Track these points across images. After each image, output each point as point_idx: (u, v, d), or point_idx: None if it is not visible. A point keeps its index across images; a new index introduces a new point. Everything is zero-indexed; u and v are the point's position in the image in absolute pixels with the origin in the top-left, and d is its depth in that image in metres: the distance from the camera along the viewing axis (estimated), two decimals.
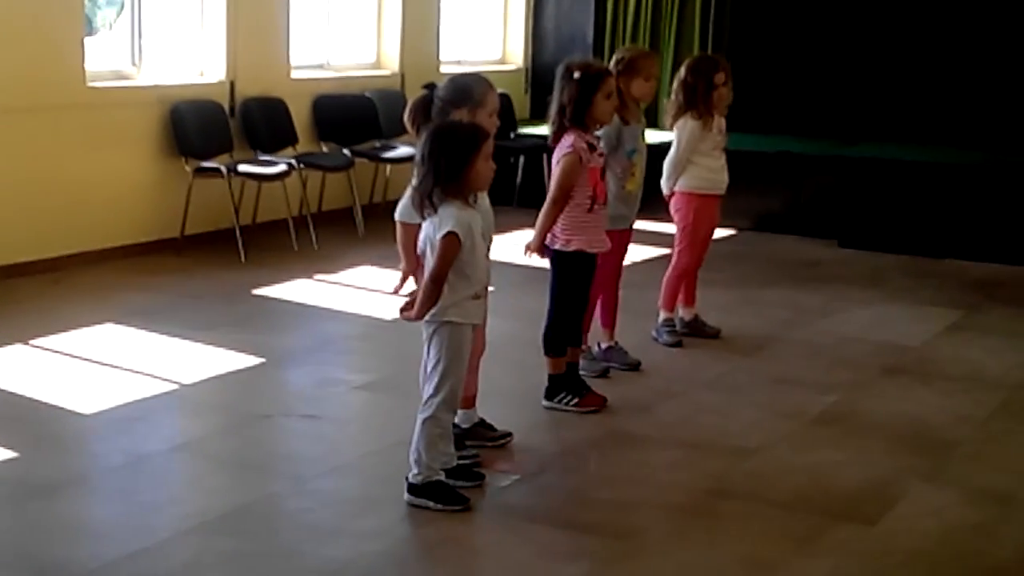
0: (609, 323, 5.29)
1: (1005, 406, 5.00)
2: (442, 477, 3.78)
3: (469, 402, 4.21)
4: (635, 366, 5.25)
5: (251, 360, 5.26)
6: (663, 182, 5.66)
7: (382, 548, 3.56)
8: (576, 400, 4.70)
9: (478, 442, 4.19)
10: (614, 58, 5.19)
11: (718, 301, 6.30)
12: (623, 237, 5.16)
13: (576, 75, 4.56)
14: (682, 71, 5.62)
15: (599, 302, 5.18)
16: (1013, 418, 4.89)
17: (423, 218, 3.72)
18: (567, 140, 4.58)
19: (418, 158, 3.72)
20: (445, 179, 3.63)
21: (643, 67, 5.11)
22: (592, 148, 4.60)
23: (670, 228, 5.88)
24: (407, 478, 3.80)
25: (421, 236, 3.74)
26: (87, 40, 6.93)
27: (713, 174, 5.64)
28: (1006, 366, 5.53)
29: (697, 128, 5.53)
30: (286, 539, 3.61)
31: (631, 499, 3.96)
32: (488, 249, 3.98)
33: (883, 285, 7.07)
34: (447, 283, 3.68)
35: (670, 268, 5.73)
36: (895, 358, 5.61)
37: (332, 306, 6.27)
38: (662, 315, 5.70)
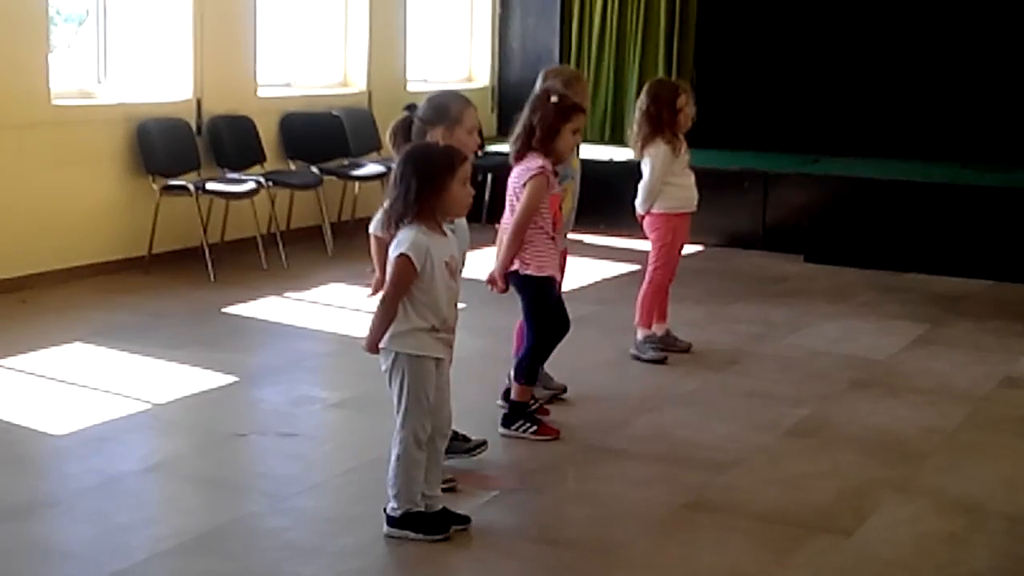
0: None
1: (972, 417, 5.07)
2: (421, 508, 3.69)
3: None
4: (561, 391, 5.07)
5: (224, 379, 5.23)
6: (638, 205, 5.69)
7: (361, 566, 3.55)
8: (535, 428, 4.62)
9: (454, 455, 4.18)
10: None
11: (688, 317, 6.34)
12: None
13: (553, 99, 4.52)
14: (643, 99, 5.60)
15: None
16: (980, 429, 4.96)
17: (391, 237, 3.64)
18: (535, 161, 4.49)
19: (392, 179, 3.62)
20: (415, 203, 3.51)
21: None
22: (556, 174, 4.57)
23: (638, 245, 5.91)
24: (385, 510, 3.71)
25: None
26: (49, 58, 6.88)
27: (687, 192, 5.71)
28: (972, 378, 5.61)
29: (668, 153, 5.57)
30: (264, 559, 3.59)
31: (609, 514, 3.97)
32: (460, 270, 3.75)
33: (849, 299, 7.16)
34: (402, 310, 3.54)
35: (645, 285, 5.75)
36: (864, 371, 5.67)
37: (303, 324, 6.25)
38: (641, 333, 5.72)
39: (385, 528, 3.71)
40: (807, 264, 8.13)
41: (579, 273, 7.51)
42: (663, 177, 5.60)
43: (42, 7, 6.77)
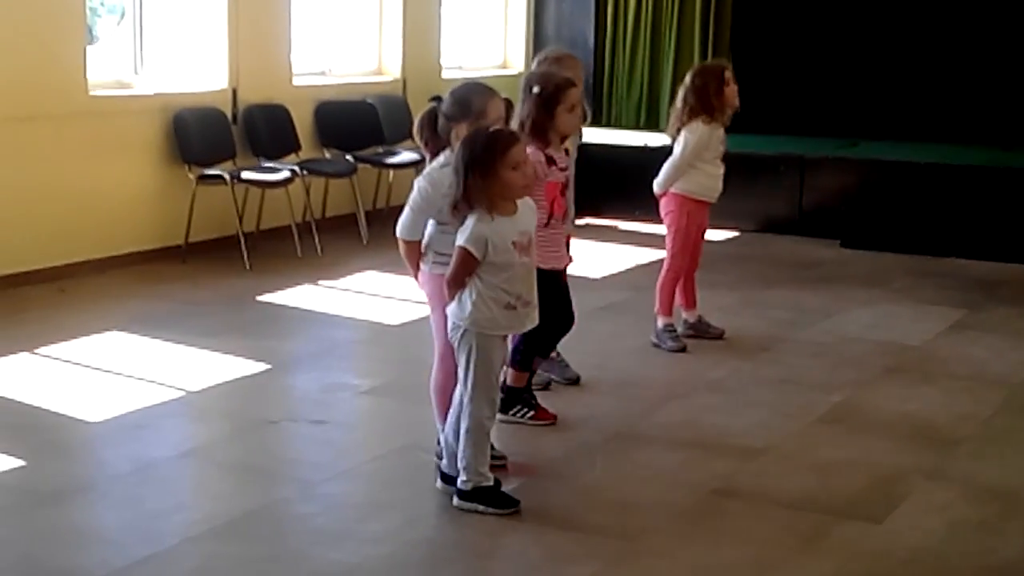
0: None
1: (1008, 404, 5.01)
2: (491, 482, 3.79)
3: None
4: (575, 380, 5.05)
5: (257, 366, 5.28)
6: (657, 183, 5.60)
7: (389, 552, 3.58)
8: (532, 413, 4.60)
9: None
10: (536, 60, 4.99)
11: (721, 303, 6.31)
12: None
13: (535, 90, 4.40)
14: (688, 78, 5.56)
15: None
16: (1016, 416, 4.90)
17: (460, 224, 3.67)
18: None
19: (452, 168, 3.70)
20: (472, 188, 3.60)
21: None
22: (551, 162, 4.44)
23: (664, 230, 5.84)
24: (456, 484, 3.80)
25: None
26: (88, 49, 6.96)
27: (712, 181, 5.62)
28: (1008, 364, 5.54)
29: (707, 133, 5.51)
30: (294, 544, 3.63)
31: (638, 500, 3.98)
32: (531, 248, 3.79)
33: (885, 285, 7.09)
34: (474, 291, 3.66)
35: (663, 272, 5.69)
36: (898, 357, 5.62)
37: (337, 312, 6.29)
38: (661, 321, 5.67)
39: (455, 501, 3.81)
40: (843, 249, 8.06)
41: (613, 260, 7.51)
42: (693, 159, 5.54)
43: None
